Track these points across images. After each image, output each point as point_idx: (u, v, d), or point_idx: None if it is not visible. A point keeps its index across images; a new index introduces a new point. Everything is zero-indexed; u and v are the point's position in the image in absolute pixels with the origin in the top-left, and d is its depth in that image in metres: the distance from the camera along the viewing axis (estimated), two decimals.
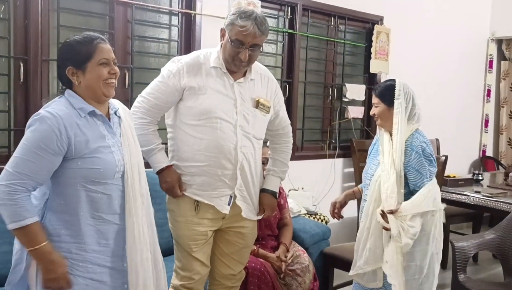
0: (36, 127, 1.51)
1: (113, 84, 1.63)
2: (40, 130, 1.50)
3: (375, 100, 2.26)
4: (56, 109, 1.54)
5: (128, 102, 2.92)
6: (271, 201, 2.17)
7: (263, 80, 2.12)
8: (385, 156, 2.17)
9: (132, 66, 2.93)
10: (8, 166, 1.50)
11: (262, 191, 2.18)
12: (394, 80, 2.23)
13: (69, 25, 2.72)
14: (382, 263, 2.13)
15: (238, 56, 1.92)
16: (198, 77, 1.99)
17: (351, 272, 2.28)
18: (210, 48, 2.09)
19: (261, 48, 1.99)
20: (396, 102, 2.17)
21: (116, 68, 1.63)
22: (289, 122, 2.29)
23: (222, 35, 1.98)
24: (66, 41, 1.62)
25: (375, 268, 2.18)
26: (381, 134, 2.27)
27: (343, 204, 2.45)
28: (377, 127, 2.33)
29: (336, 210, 2.43)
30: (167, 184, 1.98)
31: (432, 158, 2.15)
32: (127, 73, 2.92)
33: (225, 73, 2.01)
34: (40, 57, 2.59)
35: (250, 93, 2.04)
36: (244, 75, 2.05)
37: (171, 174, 1.98)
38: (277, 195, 2.22)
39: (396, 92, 2.17)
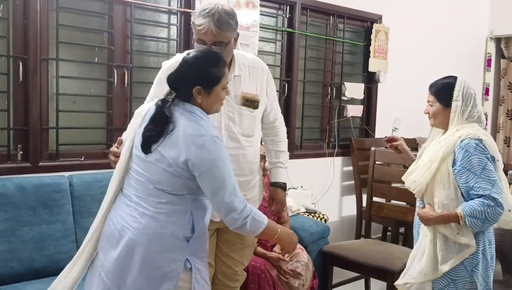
0: (217, 145, 1.62)
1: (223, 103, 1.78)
2: (221, 147, 1.63)
3: (430, 98, 2.09)
4: (214, 127, 1.68)
5: (128, 101, 2.92)
6: (282, 196, 2.16)
7: (252, 73, 2.05)
8: (426, 154, 2.06)
9: (131, 65, 2.93)
10: (227, 183, 1.61)
11: (273, 185, 2.16)
12: (454, 78, 2.06)
13: (68, 24, 2.73)
14: (438, 274, 1.97)
15: None
16: None
17: (399, 281, 2.10)
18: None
19: (235, 44, 1.93)
20: (453, 103, 2.00)
21: (228, 89, 1.77)
22: (280, 110, 2.24)
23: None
24: (196, 60, 1.67)
25: (427, 280, 2.00)
26: (432, 133, 2.16)
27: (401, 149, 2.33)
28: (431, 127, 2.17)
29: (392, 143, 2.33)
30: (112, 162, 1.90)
31: (489, 157, 1.92)
32: (126, 72, 2.92)
33: None
34: (40, 56, 2.59)
35: (235, 90, 1.98)
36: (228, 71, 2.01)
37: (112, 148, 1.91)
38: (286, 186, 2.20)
39: (455, 92, 2.00)
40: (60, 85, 2.70)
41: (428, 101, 2.11)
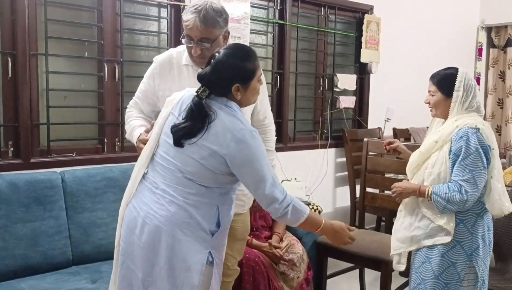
0: (256, 139, 1.64)
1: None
2: (259, 140, 1.66)
3: (432, 87, 2.14)
4: (249, 123, 1.72)
5: (119, 95, 2.90)
6: None
7: None
8: (426, 140, 2.12)
9: (122, 59, 2.91)
10: (267, 175, 1.64)
11: None
12: (456, 69, 2.11)
13: (57, 18, 2.70)
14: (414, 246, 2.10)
15: (191, 52, 1.91)
16: (171, 77, 2.00)
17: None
18: None
19: (225, 42, 1.93)
20: (455, 94, 2.05)
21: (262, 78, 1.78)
22: (270, 108, 2.26)
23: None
24: (230, 58, 1.64)
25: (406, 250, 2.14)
26: (433, 123, 2.21)
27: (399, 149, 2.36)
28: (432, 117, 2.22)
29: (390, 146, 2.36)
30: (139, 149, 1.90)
31: (479, 148, 1.95)
32: (117, 67, 2.90)
33: (197, 70, 1.97)
34: (29, 52, 2.56)
35: None
36: None
37: (139, 141, 1.92)
38: None
39: (457, 83, 2.05)
40: (50, 80, 2.68)
41: (429, 91, 2.15)
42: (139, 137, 1.93)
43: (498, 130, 5.51)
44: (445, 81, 2.09)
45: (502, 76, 5.45)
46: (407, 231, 2.11)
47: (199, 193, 1.65)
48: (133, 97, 2.14)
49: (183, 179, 1.64)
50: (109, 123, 2.88)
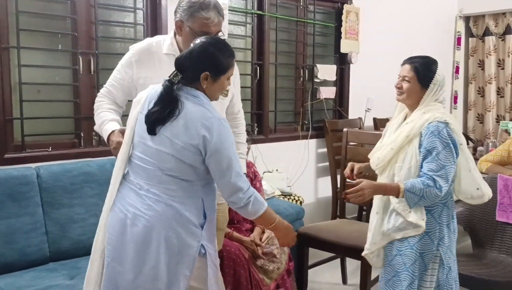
0: (225, 127, 1.66)
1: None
2: (228, 129, 1.67)
3: (409, 73, 2.05)
4: (217, 112, 1.72)
5: (95, 88, 2.85)
6: None
7: None
8: (392, 134, 2.09)
9: (97, 51, 2.86)
10: (234, 164, 1.65)
11: None
12: (434, 60, 2.09)
13: (29, 10, 2.63)
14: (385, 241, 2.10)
15: None
16: (151, 66, 1.98)
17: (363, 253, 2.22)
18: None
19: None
20: (431, 86, 2.03)
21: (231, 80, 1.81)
22: (241, 104, 2.29)
23: (179, 27, 1.94)
24: (209, 46, 1.67)
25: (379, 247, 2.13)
26: (398, 109, 2.17)
27: (362, 169, 2.28)
28: (397, 103, 2.17)
29: (354, 171, 2.27)
30: (116, 145, 1.88)
31: (449, 143, 1.95)
32: (92, 59, 2.85)
33: None
34: (0, 45, 2.50)
35: None
36: None
37: (114, 136, 1.90)
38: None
39: (436, 76, 2.03)
40: (23, 74, 2.62)
41: (403, 76, 2.07)
42: (111, 137, 1.90)
43: (479, 118, 5.59)
44: (426, 71, 2.04)
45: (481, 64, 5.51)
46: (379, 228, 2.11)
47: (181, 188, 1.66)
48: (105, 86, 2.07)
49: (164, 176, 1.65)
50: (86, 116, 2.83)
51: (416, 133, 1.99)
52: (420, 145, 1.99)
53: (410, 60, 2.09)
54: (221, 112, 2.08)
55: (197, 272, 1.71)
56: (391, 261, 2.10)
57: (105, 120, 1.98)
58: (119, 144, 1.82)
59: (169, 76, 1.67)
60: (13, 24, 2.57)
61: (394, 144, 2.04)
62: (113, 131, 1.93)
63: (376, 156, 2.12)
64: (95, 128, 2.05)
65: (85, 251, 2.50)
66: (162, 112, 1.63)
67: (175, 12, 1.96)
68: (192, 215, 1.67)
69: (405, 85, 2.06)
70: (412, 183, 1.94)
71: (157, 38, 2.06)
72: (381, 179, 2.12)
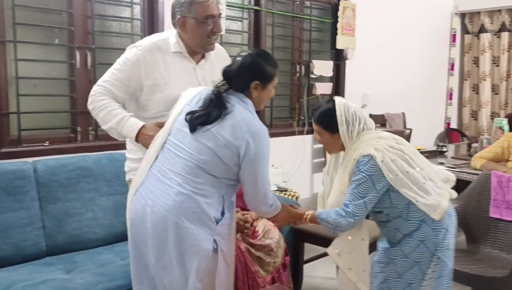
0: (267, 137, 1.77)
1: None
2: (268, 140, 1.78)
3: (315, 126, 2.02)
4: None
5: (91, 83, 2.82)
6: None
7: (220, 60, 2.10)
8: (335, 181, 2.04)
9: (93, 46, 2.85)
10: (266, 174, 1.78)
11: None
12: (333, 101, 1.98)
13: (25, 4, 2.62)
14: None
15: (213, 31, 1.96)
16: (160, 66, 1.95)
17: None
18: (172, 28, 2.04)
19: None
20: (340, 129, 1.94)
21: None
22: None
23: (182, 25, 1.94)
24: (257, 57, 1.81)
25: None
26: (330, 157, 2.14)
27: None
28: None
29: None
30: (151, 138, 1.85)
31: (371, 175, 1.85)
32: (88, 54, 2.84)
33: (187, 57, 2.01)
34: None
35: (211, 76, 2.03)
36: (203, 57, 2.05)
37: (149, 129, 1.87)
38: None
39: (338, 118, 1.93)
40: (20, 68, 2.61)
41: (315, 130, 2.05)
42: (143, 131, 1.87)
43: (474, 115, 5.62)
44: (326, 118, 1.98)
45: (476, 61, 5.54)
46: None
47: (208, 182, 1.70)
48: (102, 84, 1.94)
49: (194, 167, 1.69)
50: (82, 111, 2.83)
51: (351, 174, 1.93)
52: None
53: (313, 113, 2.05)
54: None
55: (209, 266, 1.74)
56: (383, 268, 2.03)
57: (125, 116, 1.90)
58: (160, 126, 1.84)
59: (216, 85, 1.78)
60: (9, 18, 2.56)
61: (344, 188, 1.97)
62: (144, 125, 1.88)
63: (329, 203, 2.07)
64: (112, 124, 1.90)
65: (82, 246, 2.52)
66: (209, 116, 1.71)
67: (174, 14, 1.96)
68: (211, 209, 1.71)
69: (321, 138, 2.04)
70: (327, 213, 1.96)
71: (159, 36, 2.03)
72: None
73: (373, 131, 2.00)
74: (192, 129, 1.71)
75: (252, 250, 2.61)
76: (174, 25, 2.00)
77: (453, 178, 2.07)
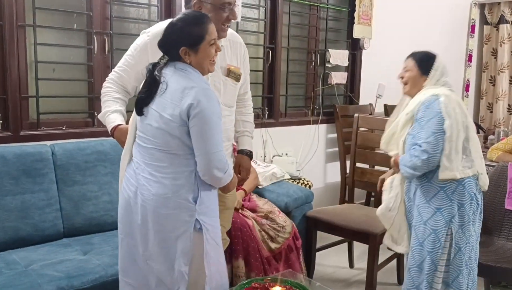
0: (208, 96, 1.67)
1: (215, 60, 1.81)
2: (210, 98, 1.68)
3: (409, 63, 2.25)
4: (206, 82, 1.75)
5: (109, 68, 2.87)
6: (248, 163, 2.23)
7: (233, 46, 2.11)
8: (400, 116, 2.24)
9: (111, 32, 2.87)
10: (219, 141, 1.69)
11: (240, 152, 2.21)
12: (434, 54, 2.25)
13: None
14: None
15: (229, 18, 1.96)
16: None
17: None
18: None
19: None
20: (432, 72, 2.18)
21: (219, 44, 1.80)
22: (249, 86, 2.32)
23: (198, 9, 1.95)
24: (177, 22, 1.73)
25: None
26: (401, 102, 2.33)
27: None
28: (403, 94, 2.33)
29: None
30: (120, 143, 1.95)
31: (439, 112, 2.08)
32: (106, 39, 2.87)
33: None
34: (16, 23, 2.52)
35: (221, 62, 2.03)
36: None
37: (119, 133, 1.94)
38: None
39: (436, 63, 2.19)
40: (39, 52, 2.64)
41: (405, 67, 2.26)
42: (115, 133, 1.95)
43: (490, 108, 5.55)
44: (426, 58, 2.22)
45: (494, 53, 5.45)
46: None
47: (173, 163, 1.70)
48: (115, 70, 2.05)
49: (157, 152, 1.71)
50: (99, 96, 2.83)
51: (414, 109, 2.14)
52: (415, 120, 2.14)
53: (413, 53, 2.28)
54: (234, 96, 2.14)
55: (196, 247, 1.74)
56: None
57: (108, 110, 1.99)
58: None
59: (157, 60, 1.75)
60: (30, 3, 2.59)
61: (398, 121, 2.23)
62: (118, 126, 1.94)
63: (384, 135, 2.34)
64: (99, 116, 2.05)
65: (98, 228, 2.56)
66: (146, 94, 1.71)
67: None
68: (184, 190, 1.70)
69: (407, 74, 2.24)
70: (404, 158, 2.13)
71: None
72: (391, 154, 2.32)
73: (452, 89, 2.20)
74: (139, 112, 1.74)
75: (259, 226, 2.63)
76: (188, 9, 2.00)
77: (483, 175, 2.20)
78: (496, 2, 5.31)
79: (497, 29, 5.40)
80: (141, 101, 1.73)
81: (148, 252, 1.76)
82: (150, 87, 1.71)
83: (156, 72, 1.71)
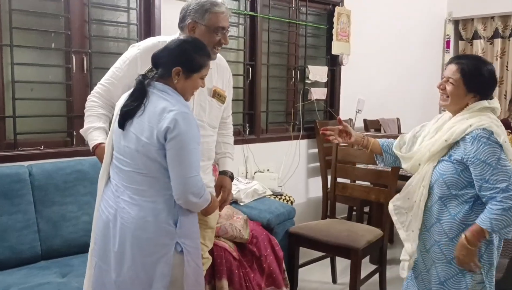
0: (187, 120, 1.63)
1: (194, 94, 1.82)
2: (189, 122, 1.64)
3: (454, 75, 1.85)
4: (186, 105, 1.70)
5: (88, 87, 2.86)
6: (230, 184, 2.23)
7: (220, 69, 2.14)
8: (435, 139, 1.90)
9: (90, 50, 2.87)
10: (196, 165, 1.66)
11: (222, 173, 2.22)
12: (489, 65, 1.86)
13: (22, 8, 2.63)
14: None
15: (220, 42, 1.99)
16: None
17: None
18: (168, 33, 2.08)
19: None
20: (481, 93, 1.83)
21: (204, 83, 1.81)
22: (231, 109, 2.34)
23: (192, 29, 1.97)
24: (185, 43, 1.73)
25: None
26: (442, 117, 1.99)
27: (348, 133, 2.18)
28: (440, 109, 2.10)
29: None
30: (100, 161, 1.91)
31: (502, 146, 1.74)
32: (85, 58, 2.85)
33: None
34: None
35: (208, 83, 2.04)
36: None
37: (100, 152, 1.92)
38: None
39: (489, 82, 1.84)
40: (16, 72, 2.62)
41: (448, 77, 1.88)
42: (96, 152, 1.93)
43: None
44: (474, 76, 1.83)
45: None
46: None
47: (152, 187, 1.68)
48: (102, 83, 2.02)
49: (136, 175, 1.68)
50: (78, 115, 2.83)
51: (456, 138, 1.82)
52: (455, 149, 1.84)
53: (458, 60, 1.88)
54: (218, 118, 2.16)
55: (176, 270, 1.71)
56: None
57: (91, 127, 1.97)
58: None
59: (145, 71, 1.73)
60: (6, 22, 2.57)
61: (433, 148, 1.88)
62: (99, 145, 1.93)
63: (414, 160, 1.99)
64: (81, 131, 2.02)
65: (77, 249, 2.52)
66: (132, 106, 1.68)
67: (184, 17, 1.99)
68: (164, 213, 1.68)
69: (449, 87, 1.87)
70: (489, 219, 1.73)
71: (161, 38, 2.05)
72: (413, 177, 2.00)
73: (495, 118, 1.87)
74: (121, 125, 1.70)
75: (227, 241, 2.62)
76: (182, 28, 2.02)
77: None
78: (470, 18, 5.46)
79: (471, 44, 5.55)
80: (127, 113, 1.69)
81: (122, 278, 1.71)
82: (137, 99, 1.68)
83: (146, 86, 1.69)
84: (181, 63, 1.69)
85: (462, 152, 1.81)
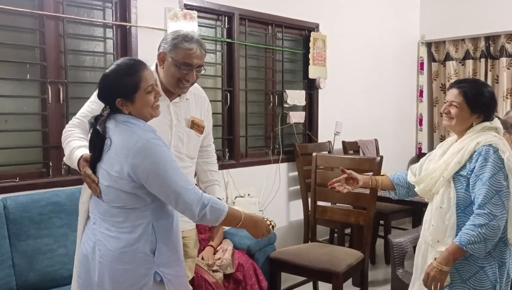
0: (156, 145, 1.62)
1: (159, 105, 1.73)
2: (158, 147, 1.62)
3: (457, 98, 1.95)
4: (149, 131, 1.66)
5: (64, 117, 2.84)
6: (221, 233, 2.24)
7: (197, 99, 2.15)
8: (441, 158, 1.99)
9: (66, 81, 2.86)
10: (176, 181, 1.61)
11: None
12: (488, 87, 1.98)
13: None
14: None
15: (186, 78, 1.96)
16: None
17: None
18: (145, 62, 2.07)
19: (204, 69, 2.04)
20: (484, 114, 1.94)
21: (159, 89, 1.73)
22: (212, 137, 2.35)
23: (162, 59, 1.98)
24: (107, 77, 1.67)
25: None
26: (449, 141, 2.09)
27: (354, 179, 2.20)
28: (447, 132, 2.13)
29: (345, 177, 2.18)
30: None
31: (502, 167, 1.81)
32: (61, 88, 2.85)
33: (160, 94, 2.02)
34: None
35: (185, 114, 2.07)
36: (179, 95, 2.07)
37: (81, 167, 1.84)
38: None
39: (491, 104, 1.95)
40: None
41: (451, 101, 1.98)
42: (82, 156, 1.83)
43: (442, 140, 5.77)
44: (479, 97, 1.94)
45: (443, 88, 5.73)
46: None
47: (128, 218, 1.66)
48: (77, 117, 1.99)
49: (112, 209, 1.67)
50: (55, 146, 2.81)
51: (466, 157, 1.90)
52: (463, 168, 1.91)
53: (459, 85, 1.99)
54: (196, 148, 2.17)
55: None
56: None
57: (74, 147, 1.89)
58: (86, 175, 1.76)
59: (100, 111, 1.71)
60: None
61: (447, 173, 1.94)
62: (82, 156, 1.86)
63: (425, 185, 2.04)
64: (65, 159, 1.95)
65: (53, 283, 2.47)
66: (95, 153, 1.67)
67: (159, 46, 2.00)
68: (141, 243, 1.65)
69: (453, 110, 1.97)
70: (466, 235, 1.80)
71: None
72: (430, 204, 2.04)
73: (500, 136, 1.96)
74: (92, 169, 1.68)
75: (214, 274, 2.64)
76: (157, 56, 2.03)
77: None
78: (442, 40, 5.62)
79: (444, 66, 5.69)
80: (94, 160, 1.68)
81: None
82: (96, 145, 1.66)
83: (98, 127, 1.65)
84: (117, 95, 1.63)
85: (468, 168, 1.91)
